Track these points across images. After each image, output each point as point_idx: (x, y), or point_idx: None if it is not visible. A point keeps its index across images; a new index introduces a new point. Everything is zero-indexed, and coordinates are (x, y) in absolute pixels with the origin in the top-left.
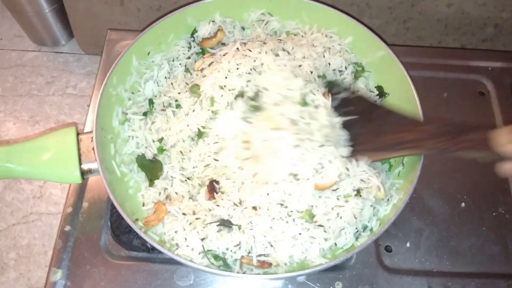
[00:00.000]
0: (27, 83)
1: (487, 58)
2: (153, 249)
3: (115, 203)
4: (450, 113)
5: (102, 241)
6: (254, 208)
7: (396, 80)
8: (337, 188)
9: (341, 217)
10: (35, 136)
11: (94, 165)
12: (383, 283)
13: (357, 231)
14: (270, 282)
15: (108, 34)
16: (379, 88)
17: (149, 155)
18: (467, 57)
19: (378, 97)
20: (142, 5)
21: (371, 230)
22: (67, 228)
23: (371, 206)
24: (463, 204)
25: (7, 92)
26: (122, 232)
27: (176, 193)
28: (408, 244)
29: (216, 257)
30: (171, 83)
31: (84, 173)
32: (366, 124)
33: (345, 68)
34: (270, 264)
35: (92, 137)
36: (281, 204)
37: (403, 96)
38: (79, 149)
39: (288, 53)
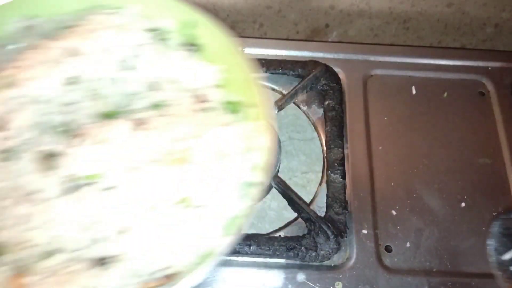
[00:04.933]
0: None
1: (487, 58)
2: None
3: None
4: (450, 113)
5: None
6: (122, 231)
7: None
8: None
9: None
10: None
11: None
12: (383, 283)
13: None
14: (269, 281)
15: None
16: (189, 42)
17: None
18: (467, 57)
19: (192, 52)
20: None
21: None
22: None
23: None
24: (463, 204)
25: None
26: None
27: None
28: (408, 244)
29: None
30: None
31: None
32: None
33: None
34: (173, 275)
35: None
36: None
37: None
38: None
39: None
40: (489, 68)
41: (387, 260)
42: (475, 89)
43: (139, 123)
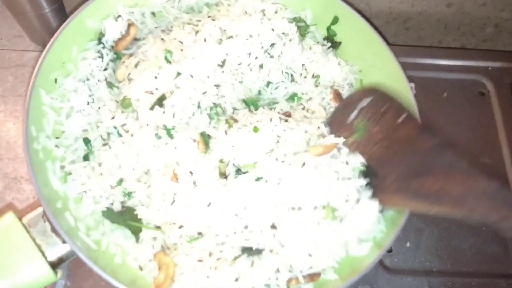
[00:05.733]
0: (27, 83)
1: (487, 58)
2: None
3: (107, 277)
4: (450, 113)
5: None
6: (273, 226)
7: (357, 33)
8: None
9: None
10: None
11: (62, 250)
12: (383, 283)
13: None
14: None
15: None
16: (329, 38)
17: (116, 206)
18: (467, 57)
19: (331, 48)
20: None
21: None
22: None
23: None
24: None
25: (7, 92)
26: None
27: (169, 237)
28: (408, 244)
29: None
30: (98, 108)
31: (54, 266)
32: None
33: (290, 28)
34: (319, 274)
35: (41, 216)
36: (293, 208)
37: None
38: (33, 240)
39: (226, 32)
40: (489, 68)
41: (387, 260)
42: (475, 89)
43: (287, 115)
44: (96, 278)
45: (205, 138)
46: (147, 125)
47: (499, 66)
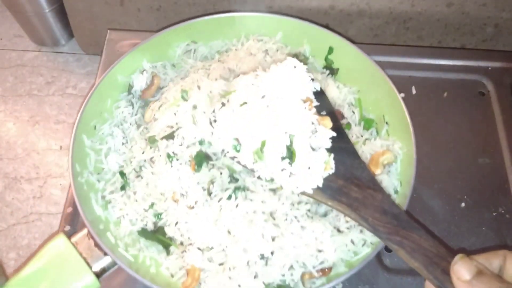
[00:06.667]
0: (27, 83)
1: (487, 58)
2: None
3: (148, 284)
4: (450, 113)
5: None
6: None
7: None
8: None
9: None
10: (28, 259)
11: (104, 262)
12: (383, 283)
13: None
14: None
15: (108, 34)
16: (327, 66)
17: (149, 226)
18: (467, 57)
19: (330, 74)
20: (142, 5)
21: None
22: (67, 228)
23: None
24: (463, 204)
25: (7, 92)
26: None
27: (199, 248)
28: None
29: (280, 287)
30: (131, 146)
31: (98, 275)
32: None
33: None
34: (330, 269)
35: (86, 235)
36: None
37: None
38: (80, 254)
39: (234, 71)
40: (489, 68)
41: (387, 260)
42: (475, 89)
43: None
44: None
45: (198, 158)
46: (160, 156)
47: (499, 66)
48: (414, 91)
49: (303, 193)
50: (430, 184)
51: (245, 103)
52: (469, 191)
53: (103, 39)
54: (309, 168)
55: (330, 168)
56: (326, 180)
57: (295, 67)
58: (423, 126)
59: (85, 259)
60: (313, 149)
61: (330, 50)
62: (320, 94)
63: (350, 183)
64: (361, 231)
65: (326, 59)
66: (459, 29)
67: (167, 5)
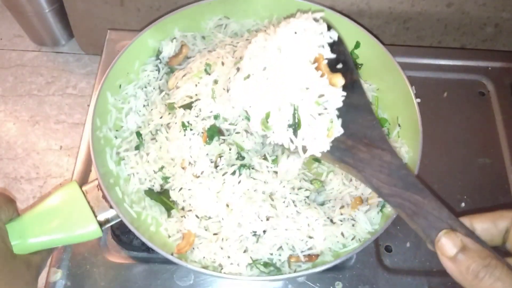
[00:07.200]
0: (27, 83)
1: (487, 58)
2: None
3: (145, 240)
4: (450, 113)
5: (102, 241)
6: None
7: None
8: None
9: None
10: (39, 200)
11: (109, 214)
12: (383, 283)
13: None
14: (271, 282)
15: (108, 34)
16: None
17: (156, 187)
18: (467, 57)
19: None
20: (142, 5)
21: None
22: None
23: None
24: (463, 204)
25: (7, 92)
26: (122, 232)
27: (198, 216)
28: (408, 244)
29: (266, 264)
30: (151, 110)
31: (101, 225)
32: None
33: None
34: (317, 256)
35: (96, 186)
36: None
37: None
38: (88, 203)
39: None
40: (489, 68)
41: (387, 260)
42: (475, 89)
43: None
44: (96, 278)
45: (211, 132)
46: (175, 123)
47: (499, 66)
48: (414, 91)
49: (312, 156)
50: (430, 184)
51: (248, 76)
52: (469, 191)
53: (103, 39)
54: (316, 132)
55: (337, 132)
56: (335, 141)
57: (308, 20)
58: (423, 126)
59: (91, 207)
60: (321, 114)
61: (357, 44)
62: (337, 44)
63: (358, 143)
64: (353, 226)
65: (352, 53)
66: (459, 29)
67: (167, 5)
